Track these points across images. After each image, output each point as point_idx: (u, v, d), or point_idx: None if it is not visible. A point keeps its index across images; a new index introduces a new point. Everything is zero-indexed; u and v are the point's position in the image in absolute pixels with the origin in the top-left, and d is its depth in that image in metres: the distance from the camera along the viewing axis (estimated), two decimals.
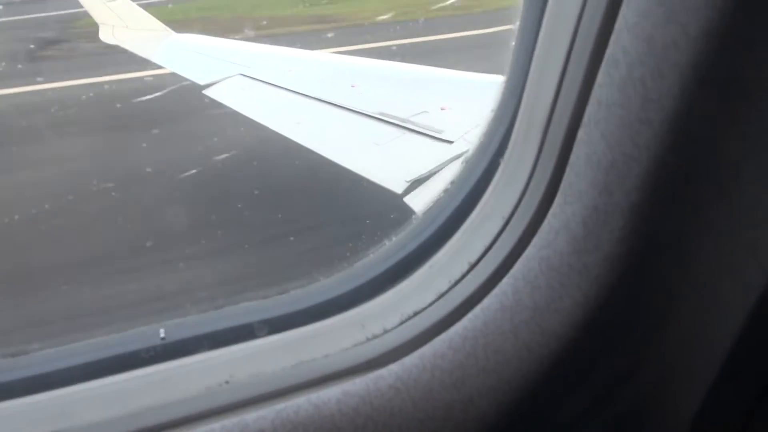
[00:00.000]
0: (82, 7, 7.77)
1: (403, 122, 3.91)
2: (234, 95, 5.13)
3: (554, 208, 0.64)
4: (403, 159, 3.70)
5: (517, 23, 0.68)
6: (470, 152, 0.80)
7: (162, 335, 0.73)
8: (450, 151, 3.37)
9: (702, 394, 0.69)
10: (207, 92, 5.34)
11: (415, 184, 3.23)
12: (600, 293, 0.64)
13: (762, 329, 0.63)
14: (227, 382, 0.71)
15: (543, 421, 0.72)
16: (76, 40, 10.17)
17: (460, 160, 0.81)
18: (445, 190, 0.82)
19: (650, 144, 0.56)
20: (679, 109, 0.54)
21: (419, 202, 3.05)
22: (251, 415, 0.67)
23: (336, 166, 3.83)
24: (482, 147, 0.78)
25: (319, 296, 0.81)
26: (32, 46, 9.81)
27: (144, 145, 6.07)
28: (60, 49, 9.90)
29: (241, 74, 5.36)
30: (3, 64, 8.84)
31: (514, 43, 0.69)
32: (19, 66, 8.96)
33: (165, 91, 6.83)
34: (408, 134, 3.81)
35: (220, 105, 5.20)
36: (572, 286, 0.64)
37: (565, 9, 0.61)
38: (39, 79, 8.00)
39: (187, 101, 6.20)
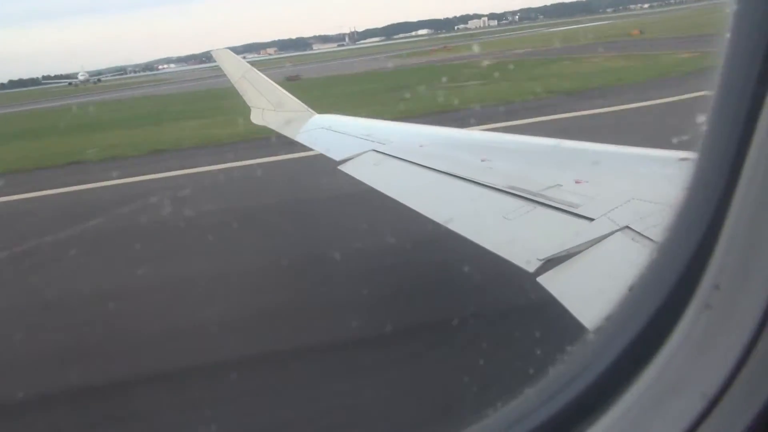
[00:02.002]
0: None
1: (534, 196, 3.76)
2: (366, 170, 5.34)
3: None
4: (536, 235, 3.51)
5: None
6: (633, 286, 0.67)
7: None
8: (591, 229, 3.12)
9: None
10: (342, 168, 5.63)
11: (550, 263, 3.02)
12: None
13: None
14: None
15: None
16: None
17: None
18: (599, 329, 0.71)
19: None
20: None
21: (556, 284, 2.83)
22: None
23: (464, 240, 3.75)
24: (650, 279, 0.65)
25: None
26: None
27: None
28: None
29: (374, 150, 5.59)
30: None
31: None
32: None
33: None
34: (540, 208, 3.63)
35: None
36: None
37: None
38: None
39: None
